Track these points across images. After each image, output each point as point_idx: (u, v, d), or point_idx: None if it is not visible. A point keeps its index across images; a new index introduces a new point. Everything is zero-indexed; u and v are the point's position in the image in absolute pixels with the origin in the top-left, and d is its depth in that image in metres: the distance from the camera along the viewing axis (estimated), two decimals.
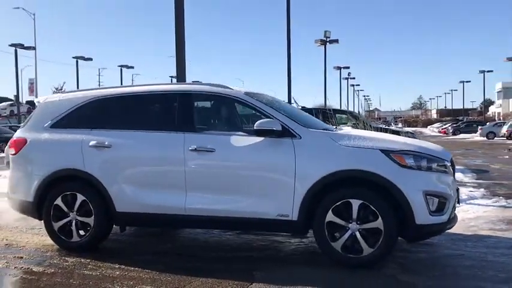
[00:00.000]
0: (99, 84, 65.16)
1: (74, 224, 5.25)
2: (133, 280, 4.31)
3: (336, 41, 35.81)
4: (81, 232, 5.24)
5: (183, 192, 4.92)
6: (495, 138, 36.40)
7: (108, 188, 5.11)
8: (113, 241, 5.61)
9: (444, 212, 4.55)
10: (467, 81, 68.23)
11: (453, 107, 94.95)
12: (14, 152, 5.59)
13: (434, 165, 4.55)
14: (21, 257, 5.08)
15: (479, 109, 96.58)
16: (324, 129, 5.08)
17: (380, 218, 4.42)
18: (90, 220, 5.19)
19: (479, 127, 41.16)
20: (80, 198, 5.21)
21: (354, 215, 4.49)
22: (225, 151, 4.84)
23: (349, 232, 4.51)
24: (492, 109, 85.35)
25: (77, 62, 45.25)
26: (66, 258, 4.99)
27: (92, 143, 5.19)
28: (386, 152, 4.52)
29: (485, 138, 37.17)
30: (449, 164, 4.72)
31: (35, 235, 6.07)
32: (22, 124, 5.95)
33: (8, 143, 5.80)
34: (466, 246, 5.25)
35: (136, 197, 5.05)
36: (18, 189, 5.53)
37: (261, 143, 4.75)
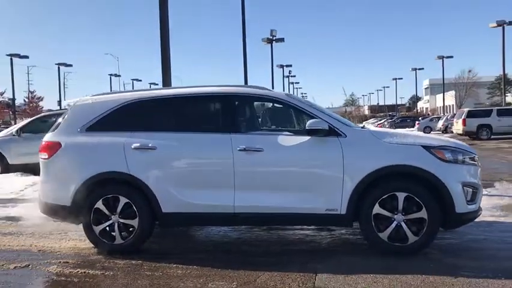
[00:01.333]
0: (28, 83, 62.30)
1: (116, 226, 5.27)
2: (202, 277, 4.45)
3: (282, 39, 36.44)
4: (124, 234, 5.26)
5: (232, 191, 5.09)
6: (431, 132, 38.65)
7: (153, 190, 5.17)
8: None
9: (476, 201, 5.03)
10: (399, 78, 71.47)
11: (385, 103, 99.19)
12: (46, 156, 5.49)
13: (467, 159, 5.02)
14: (67, 262, 5.05)
15: (407, 105, 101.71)
16: (362, 128, 5.43)
17: (424, 208, 4.82)
18: (134, 222, 5.23)
19: (417, 122, 43.45)
20: (123, 200, 5.24)
21: (400, 206, 4.87)
22: (273, 150, 5.07)
23: (395, 223, 4.89)
24: (420, 104, 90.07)
25: (11, 60, 42.89)
26: (116, 261, 5.01)
27: (134, 145, 5.23)
28: (428, 148, 4.94)
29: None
30: (477, 157, 5.22)
31: (61, 240, 6.00)
32: (52, 128, 5.83)
33: (39, 147, 5.68)
34: (483, 231, 5.79)
35: (183, 198, 5.15)
36: (53, 193, 5.46)
37: (307, 142, 5.02)
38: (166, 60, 10.54)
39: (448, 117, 33.48)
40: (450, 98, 68.53)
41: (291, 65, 49.95)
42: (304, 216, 5.06)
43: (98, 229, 5.30)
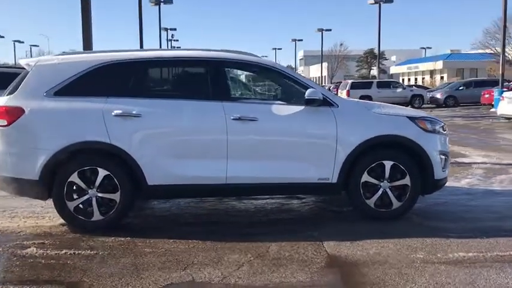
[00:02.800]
0: None
1: (94, 201, 4.80)
2: (210, 251, 4.27)
3: (171, 1, 35.31)
4: (103, 210, 4.83)
5: (224, 161, 4.91)
6: None
7: (138, 161, 4.79)
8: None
9: (447, 167, 5.46)
10: (279, 48, 73.63)
11: None
12: (5, 123, 4.77)
13: (440, 129, 5.40)
14: (43, 243, 4.50)
15: None
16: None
17: (408, 175, 5.12)
18: (115, 196, 4.82)
19: None
20: (103, 173, 4.78)
21: (387, 174, 5.10)
22: (268, 120, 4.96)
23: (381, 190, 5.13)
24: None
25: None
26: (100, 239, 4.59)
27: (116, 112, 4.77)
28: (412, 119, 5.21)
29: None
30: (445, 126, 5.64)
31: (13, 218, 5.34)
32: (7, 91, 5.03)
33: None
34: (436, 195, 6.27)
35: (171, 169, 4.85)
36: (15, 166, 4.78)
37: (302, 112, 5.00)
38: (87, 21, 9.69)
39: (331, 88, 35.41)
40: (323, 69, 72.41)
41: (175, 29, 48.72)
42: (296, 185, 5.08)
43: (72, 205, 4.79)
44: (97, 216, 4.82)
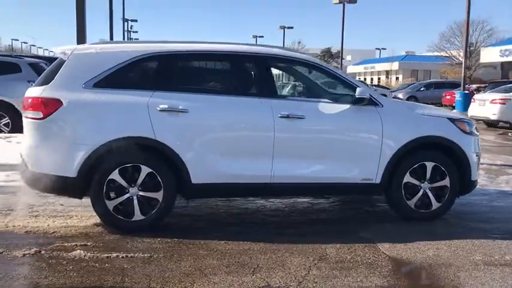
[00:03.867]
0: None
1: (135, 200, 4.54)
2: (268, 253, 4.12)
3: None
4: (144, 209, 4.57)
5: (270, 159, 4.76)
6: None
7: (184, 159, 4.56)
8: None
9: (479, 168, 5.54)
10: None
11: None
12: (41, 116, 4.42)
13: (475, 130, 5.47)
14: (86, 245, 4.20)
15: None
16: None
17: (448, 177, 5.14)
18: (158, 195, 4.57)
19: None
20: (146, 170, 4.52)
21: (428, 175, 5.11)
22: (315, 118, 4.85)
23: (422, 191, 5.13)
24: None
25: None
26: (145, 240, 4.34)
27: (162, 106, 4.51)
28: (452, 120, 5.24)
29: None
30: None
31: (38, 217, 4.98)
32: (40, 81, 4.64)
33: (26, 104, 4.53)
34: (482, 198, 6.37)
35: (217, 167, 4.65)
36: (51, 162, 4.44)
37: (348, 110, 4.92)
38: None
39: None
40: None
41: (136, 20, 47.41)
42: (340, 185, 4.99)
43: (111, 204, 4.50)
44: (138, 216, 4.56)
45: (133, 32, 53.83)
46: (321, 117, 4.86)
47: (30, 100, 4.52)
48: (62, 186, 4.48)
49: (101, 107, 4.47)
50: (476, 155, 5.35)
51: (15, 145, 8.98)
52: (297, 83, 5.62)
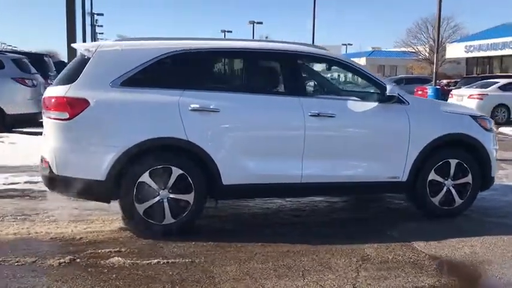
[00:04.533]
0: None
1: (166, 203, 4.38)
2: (312, 255, 4.05)
3: None
4: (175, 212, 4.42)
5: (300, 159, 4.68)
6: None
7: (215, 159, 4.43)
8: None
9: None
10: None
11: None
12: (67, 116, 4.20)
13: (494, 127, 5.54)
14: (120, 251, 4.03)
15: None
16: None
17: (470, 173, 5.19)
18: (189, 197, 4.43)
19: None
20: (177, 172, 4.36)
21: (451, 172, 5.14)
22: (345, 116, 4.80)
23: (445, 188, 5.16)
24: None
25: None
26: (180, 244, 4.19)
27: (193, 106, 4.36)
28: (474, 118, 5.29)
29: None
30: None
31: (57, 222, 4.75)
32: (62, 79, 4.40)
33: (48, 104, 4.29)
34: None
35: (248, 168, 4.55)
36: (78, 165, 4.24)
37: (376, 108, 4.89)
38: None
39: None
40: None
41: (102, 14, 46.26)
42: (367, 184, 4.97)
43: (142, 208, 4.33)
44: (168, 219, 4.40)
45: (98, 26, 52.62)
46: (351, 115, 4.82)
47: (53, 100, 4.29)
48: (91, 190, 4.29)
49: (130, 107, 4.29)
50: (496, 152, 5.42)
51: (8, 146, 8.62)
52: (325, 81, 5.54)
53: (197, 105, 4.37)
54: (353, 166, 4.85)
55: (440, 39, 45.24)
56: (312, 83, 5.29)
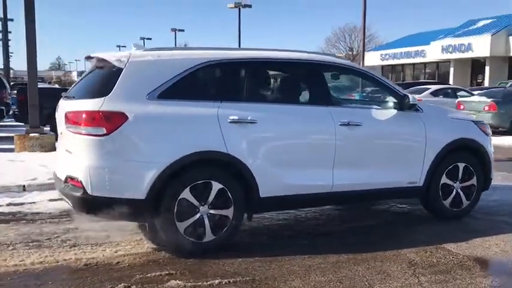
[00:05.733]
0: None
1: (206, 220, 4.20)
2: (363, 263, 4.07)
3: None
4: (215, 228, 4.25)
5: (330, 168, 4.70)
6: None
7: (253, 172, 4.32)
8: None
9: None
10: (123, 46, 70.45)
11: None
12: (104, 132, 3.90)
13: (490, 131, 5.90)
14: (171, 273, 3.79)
15: None
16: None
17: (475, 176, 5.50)
18: (228, 212, 4.28)
19: None
20: (217, 186, 4.20)
21: (460, 175, 5.42)
22: (371, 125, 4.89)
23: (455, 190, 5.42)
24: None
25: None
26: (230, 262, 4.04)
27: (232, 118, 4.23)
28: (476, 123, 5.61)
29: None
30: None
31: (84, 247, 4.39)
32: (93, 92, 4.03)
33: (78, 118, 3.94)
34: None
35: (283, 179, 4.48)
36: (115, 184, 3.93)
37: (397, 116, 5.02)
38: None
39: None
40: None
41: (12, 19, 43.23)
42: (390, 190, 5.09)
43: (183, 226, 4.11)
44: (209, 236, 4.22)
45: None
46: (375, 124, 4.91)
47: (84, 114, 3.96)
48: (129, 211, 3.99)
49: (170, 121, 4.07)
50: (493, 155, 5.79)
51: None
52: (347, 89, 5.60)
53: (236, 117, 4.24)
54: (377, 173, 4.95)
55: (357, 48, 47.81)
56: (335, 92, 5.32)
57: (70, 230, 4.86)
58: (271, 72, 4.86)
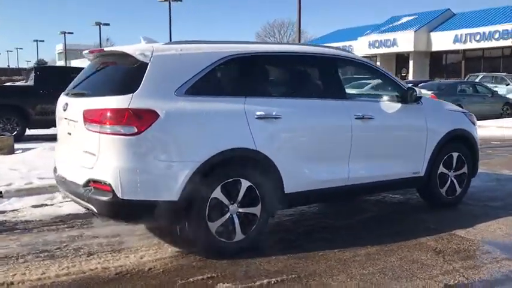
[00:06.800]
0: None
1: (236, 219, 4.08)
2: (395, 255, 4.14)
3: None
4: (244, 227, 4.13)
5: (346, 162, 4.74)
6: None
7: (279, 167, 4.25)
8: None
9: None
10: (40, 41, 66.92)
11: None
12: (134, 131, 3.65)
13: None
14: (213, 276, 3.64)
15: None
16: None
17: (466, 165, 5.77)
18: (256, 210, 4.18)
19: None
20: (245, 184, 4.09)
21: (454, 164, 5.66)
22: (381, 118, 4.96)
23: (450, 179, 5.66)
24: None
25: None
26: (267, 260, 3.95)
27: (258, 113, 4.13)
28: (465, 114, 5.88)
29: None
30: None
31: (114, 253, 4.11)
32: (115, 87, 3.72)
33: (102, 117, 3.65)
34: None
35: (305, 174, 4.45)
36: (147, 186, 3.70)
37: (402, 109, 5.14)
38: None
39: None
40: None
41: None
42: (397, 181, 5.20)
43: (214, 226, 3.97)
44: (239, 235, 4.10)
45: None
46: (385, 116, 5.00)
47: (110, 113, 3.68)
48: (162, 213, 3.77)
49: (201, 118, 3.89)
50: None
51: None
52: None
53: (262, 113, 4.14)
54: (387, 165, 5.04)
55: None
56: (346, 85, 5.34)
57: (76, 238, 4.54)
58: (294, 67, 4.79)
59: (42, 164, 6.86)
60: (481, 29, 32.92)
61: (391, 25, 38.93)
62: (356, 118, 4.72)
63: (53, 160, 4.85)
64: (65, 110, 4.24)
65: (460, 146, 5.71)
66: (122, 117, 3.65)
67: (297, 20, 27.60)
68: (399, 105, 5.14)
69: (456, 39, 34.01)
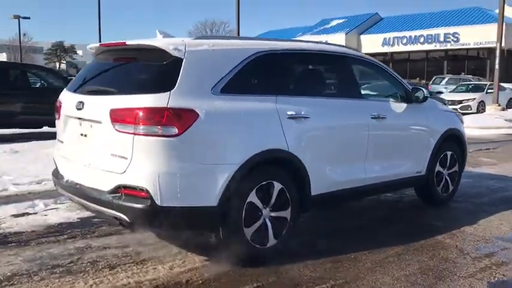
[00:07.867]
0: None
1: (269, 223, 3.90)
2: (418, 252, 4.15)
3: None
4: (276, 231, 3.96)
5: (363, 162, 4.71)
6: None
7: (308, 169, 4.12)
8: None
9: None
10: None
11: None
12: (175, 132, 3.36)
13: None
14: (261, 285, 3.45)
15: None
16: None
17: (457, 163, 5.95)
18: (286, 213, 4.03)
19: None
20: (278, 187, 3.92)
21: (447, 164, 5.81)
22: (393, 118, 4.97)
23: (444, 177, 5.81)
24: None
25: None
26: (310, 263, 3.81)
27: (289, 113, 3.97)
28: (455, 114, 6.06)
29: None
30: None
31: (138, 265, 3.77)
32: (148, 85, 3.36)
33: (135, 117, 3.32)
34: None
35: (331, 175, 4.36)
36: (187, 191, 3.42)
37: (409, 109, 5.17)
38: None
39: None
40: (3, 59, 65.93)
41: None
42: (403, 180, 5.24)
43: (250, 232, 3.76)
44: (271, 240, 3.92)
45: None
46: (396, 116, 5.01)
47: (146, 113, 3.35)
48: (201, 221, 3.53)
49: (238, 117, 3.66)
50: None
51: None
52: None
53: (293, 112, 3.99)
54: (397, 164, 5.07)
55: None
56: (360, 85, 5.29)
57: (85, 249, 4.13)
58: (320, 65, 4.67)
59: (12, 168, 6.23)
60: (407, 33, 34.62)
61: (322, 27, 39.96)
62: (372, 118, 4.69)
63: (43, 164, 4.40)
64: (79, 109, 3.82)
65: (452, 144, 5.87)
66: (161, 117, 3.34)
67: (236, 18, 27.47)
68: (406, 105, 5.18)
69: (385, 42, 35.52)
